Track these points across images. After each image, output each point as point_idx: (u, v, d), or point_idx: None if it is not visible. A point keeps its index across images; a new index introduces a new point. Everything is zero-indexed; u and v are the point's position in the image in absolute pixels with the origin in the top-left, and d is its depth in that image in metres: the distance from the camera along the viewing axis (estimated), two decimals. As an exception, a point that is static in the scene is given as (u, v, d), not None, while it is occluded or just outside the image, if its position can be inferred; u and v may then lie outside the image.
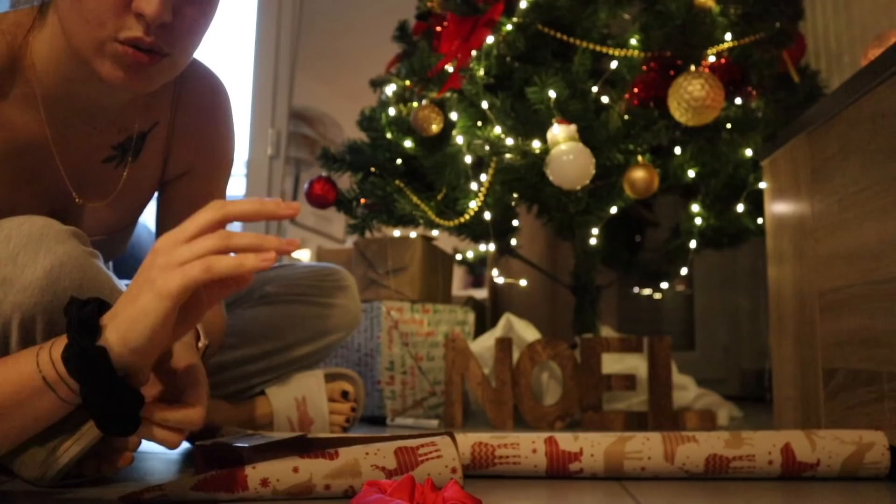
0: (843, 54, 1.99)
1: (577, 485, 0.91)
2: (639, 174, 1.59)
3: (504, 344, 1.58)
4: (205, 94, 1.00)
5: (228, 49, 3.45)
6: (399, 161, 1.83)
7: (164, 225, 1.02)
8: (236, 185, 3.19)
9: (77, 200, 0.92)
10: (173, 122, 0.98)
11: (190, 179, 1.02)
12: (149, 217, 1.10)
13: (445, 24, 1.80)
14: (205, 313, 0.70)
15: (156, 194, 1.05)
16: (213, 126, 1.02)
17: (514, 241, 1.93)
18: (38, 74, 0.85)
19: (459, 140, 1.66)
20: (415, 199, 1.74)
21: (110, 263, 1.09)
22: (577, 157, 1.50)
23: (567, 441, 0.94)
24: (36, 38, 0.85)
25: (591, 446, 0.93)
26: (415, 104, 1.76)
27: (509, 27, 1.67)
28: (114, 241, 1.01)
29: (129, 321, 0.64)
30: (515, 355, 1.59)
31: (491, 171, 1.66)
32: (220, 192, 1.05)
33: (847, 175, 1.06)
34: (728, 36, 1.68)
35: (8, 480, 0.86)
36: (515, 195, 1.77)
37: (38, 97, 0.85)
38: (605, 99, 1.64)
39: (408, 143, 1.75)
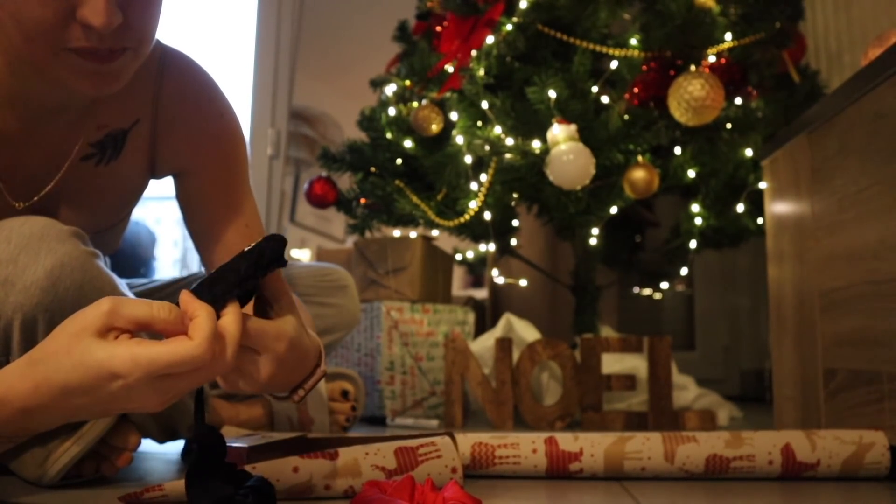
0: (843, 54, 1.99)
1: (577, 485, 0.90)
2: (639, 174, 1.59)
3: (504, 344, 1.58)
4: (189, 88, 0.96)
5: (228, 49, 3.44)
6: (399, 161, 1.83)
7: (190, 225, 0.98)
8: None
9: (16, 205, 0.88)
10: (156, 118, 0.94)
11: (201, 177, 0.97)
12: (148, 217, 1.09)
13: (445, 24, 1.80)
14: None
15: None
16: (206, 117, 0.97)
17: (514, 241, 1.93)
18: None
19: (459, 140, 1.66)
20: (415, 199, 1.74)
21: (108, 260, 1.08)
22: (577, 157, 1.50)
23: (567, 441, 0.93)
24: None
25: (591, 446, 0.93)
26: (415, 104, 1.76)
27: (509, 27, 1.67)
28: (102, 239, 0.99)
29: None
30: (515, 355, 1.59)
31: (491, 171, 1.66)
32: (241, 189, 0.99)
33: (847, 175, 1.06)
34: (728, 36, 1.68)
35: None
36: (515, 195, 1.77)
37: None
38: (605, 99, 1.64)
39: (408, 143, 1.75)
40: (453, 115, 1.69)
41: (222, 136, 0.98)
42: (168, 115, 0.95)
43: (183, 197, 0.99)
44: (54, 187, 0.91)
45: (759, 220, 1.73)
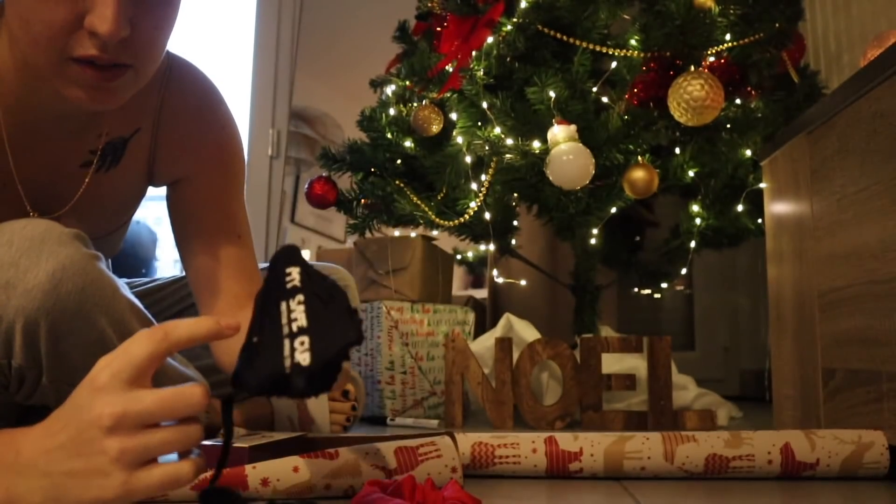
0: (842, 54, 1.99)
1: (577, 485, 0.91)
2: (639, 174, 1.59)
3: (504, 344, 1.58)
4: (192, 98, 0.96)
5: (228, 49, 3.45)
6: (399, 161, 1.83)
7: (179, 232, 0.98)
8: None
9: (32, 214, 0.88)
10: (157, 128, 0.95)
11: (197, 184, 0.98)
12: (148, 217, 1.09)
13: (445, 24, 1.80)
14: None
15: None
16: (207, 128, 0.97)
17: (514, 241, 1.93)
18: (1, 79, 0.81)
19: (459, 140, 1.66)
20: (415, 199, 1.74)
21: (109, 262, 1.08)
22: (577, 157, 1.50)
23: (567, 441, 0.94)
24: None
25: (591, 446, 0.93)
26: (415, 104, 1.76)
27: (509, 27, 1.67)
28: (102, 244, 0.99)
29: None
30: (515, 355, 1.59)
31: (491, 171, 1.66)
32: (236, 200, 1.00)
33: (847, 175, 1.06)
34: (728, 36, 1.68)
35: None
36: (515, 195, 1.77)
37: None
38: (605, 99, 1.64)
39: (408, 143, 1.75)
40: (453, 116, 1.69)
41: (222, 146, 0.99)
42: (170, 124, 0.95)
43: (176, 204, 0.99)
44: (61, 197, 0.90)
45: (759, 220, 1.73)
